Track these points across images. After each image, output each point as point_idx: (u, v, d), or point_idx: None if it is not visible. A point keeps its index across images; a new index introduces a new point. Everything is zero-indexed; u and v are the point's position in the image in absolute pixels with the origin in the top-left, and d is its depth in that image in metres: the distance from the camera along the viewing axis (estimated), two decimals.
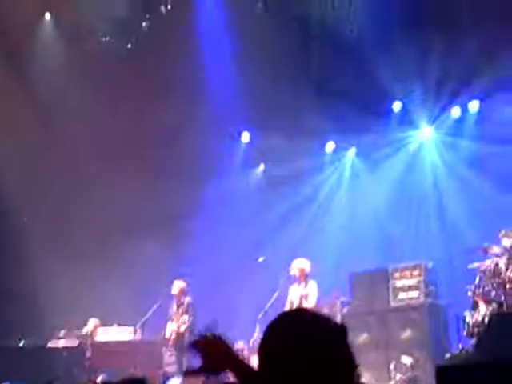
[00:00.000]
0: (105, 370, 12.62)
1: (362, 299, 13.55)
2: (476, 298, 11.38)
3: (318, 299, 12.56)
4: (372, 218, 16.65)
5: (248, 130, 18.05)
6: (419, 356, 12.33)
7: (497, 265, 11.48)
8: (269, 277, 13.64)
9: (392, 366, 12.44)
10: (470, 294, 11.49)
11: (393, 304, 13.24)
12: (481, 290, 11.47)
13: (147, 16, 16.23)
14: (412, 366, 12.14)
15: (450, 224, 15.67)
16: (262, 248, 16.06)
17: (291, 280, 12.70)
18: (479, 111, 16.06)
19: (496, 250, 11.68)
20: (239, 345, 13.33)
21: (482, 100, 15.89)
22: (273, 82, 15.77)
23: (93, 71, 15.57)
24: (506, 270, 11.37)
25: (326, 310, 13.28)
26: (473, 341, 10.98)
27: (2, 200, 15.56)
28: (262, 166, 18.88)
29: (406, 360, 12.24)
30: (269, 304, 12.30)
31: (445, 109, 16.26)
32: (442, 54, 14.49)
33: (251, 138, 18.16)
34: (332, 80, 15.37)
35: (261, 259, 14.78)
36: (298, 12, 15.37)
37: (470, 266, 11.88)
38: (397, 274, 13.33)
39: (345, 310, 13.63)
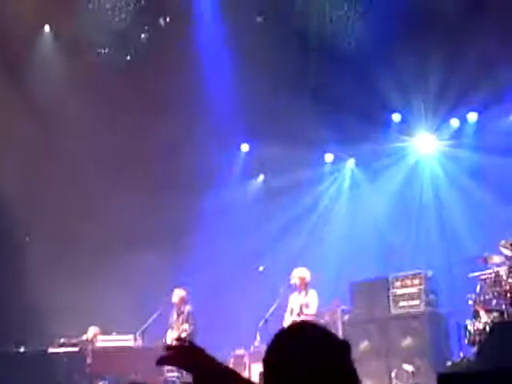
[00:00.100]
0: (106, 377, 12.61)
1: (363, 308, 13.57)
2: (477, 307, 11.37)
3: (319, 307, 12.58)
4: (372, 228, 16.71)
5: (247, 141, 18.14)
6: (420, 364, 12.33)
7: (498, 274, 11.47)
8: (269, 286, 13.64)
9: (393, 374, 12.43)
10: (470, 302, 11.49)
11: (393, 312, 13.27)
12: (482, 298, 11.47)
13: (146, 28, 16.26)
14: (413, 374, 12.13)
15: (450, 233, 15.74)
16: (262, 258, 16.07)
17: (291, 289, 12.72)
18: (478, 122, 16.15)
19: (496, 259, 11.69)
20: (239, 352, 13.34)
21: (480, 111, 15.97)
22: (272, 94, 15.80)
23: (92, 83, 15.57)
24: (507, 279, 11.37)
25: (326, 318, 13.35)
26: (474, 349, 10.97)
27: (3, 213, 15.53)
28: (261, 177, 18.95)
29: (407, 368, 12.22)
30: (269, 312, 12.30)
31: (444, 119, 16.34)
32: (441, 66, 14.57)
33: (250, 149, 18.26)
34: (331, 91, 15.45)
35: (261, 268, 14.80)
36: (297, 25, 15.43)
37: (471, 275, 11.90)
38: (397, 283, 13.38)
39: (345, 318, 13.65)
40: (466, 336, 11.24)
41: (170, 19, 16.09)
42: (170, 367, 13.12)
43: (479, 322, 11.13)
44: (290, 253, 16.13)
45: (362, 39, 14.96)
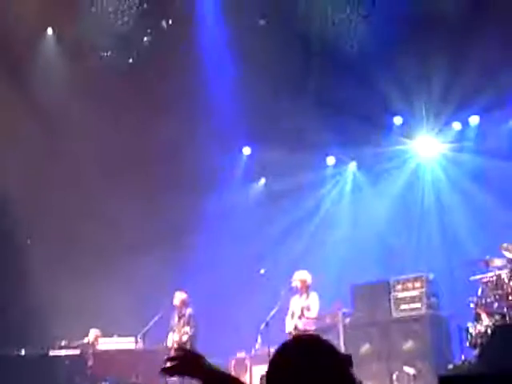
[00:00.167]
0: (107, 379, 12.62)
1: (364, 310, 13.56)
2: (478, 310, 11.38)
3: (320, 310, 12.58)
4: (374, 231, 16.69)
5: (249, 144, 18.15)
6: (421, 367, 12.32)
7: (499, 277, 11.48)
8: (270, 289, 13.65)
9: (394, 377, 12.42)
10: (472, 305, 11.50)
11: (395, 315, 13.27)
12: (483, 301, 11.48)
13: (149, 31, 16.27)
14: (414, 377, 12.12)
15: (452, 236, 15.74)
16: (264, 261, 16.09)
17: (293, 291, 12.70)
18: (480, 125, 16.14)
19: (497, 262, 11.70)
20: (241, 355, 13.34)
21: (482, 115, 15.97)
22: (274, 97, 15.81)
23: (94, 86, 15.58)
24: (509, 282, 11.37)
25: (327, 321, 13.36)
26: (475, 352, 10.97)
27: (6, 214, 15.56)
28: (263, 180, 18.93)
29: (408, 371, 12.21)
30: (270, 315, 12.26)
31: (446, 122, 16.34)
32: (443, 69, 14.56)
33: (252, 152, 18.25)
34: (333, 94, 15.45)
35: (262, 271, 14.81)
36: (299, 28, 15.39)
37: (473, 278, 11.90)
38: (398, 286, 13.38)
39: (347, 320, 13.64)
40: (467, 339, 11.24)
41: (173, 22, 16.09)
42: None
43: (481, 324, 11.14)
44: (291, 256, 16.15)
45: (365, 42, 14.93)
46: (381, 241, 16.48)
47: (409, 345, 12.84)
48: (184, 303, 13.71)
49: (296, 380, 2.61)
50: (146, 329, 13.31)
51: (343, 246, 16.65)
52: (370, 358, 12.97)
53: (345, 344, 13.15)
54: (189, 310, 13.66)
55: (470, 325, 11.27)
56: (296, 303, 12.62)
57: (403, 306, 13.21)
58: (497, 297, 11.38)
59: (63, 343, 13.39)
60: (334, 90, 15.41)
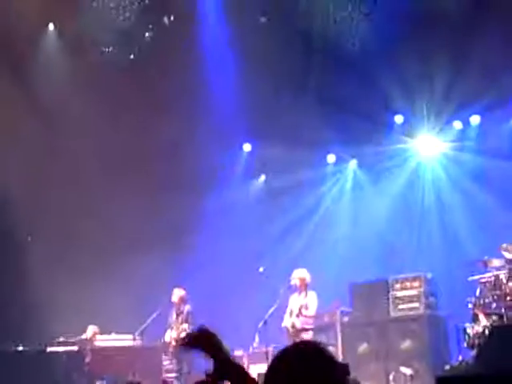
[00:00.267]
0: (104, 376, 12.62)
1: (362, 309, 13.56)
2: (476, 311, 11.37)
3: (318, 309, 12.58)
4: (374, 229, 16.66)
5: (249, 141, 18.12)
6: (419, 367, 12.32)
7: (497, 277, 11.49)
8: (269, 287, 13.64)
9: (391, 377, 12.43)
10: (470, 306, 11.49)
11: (393, 314, 13.27)
12: (481, 302, 11.48)
13: (150, 27, 16.25)
14: (411, 377, 12.11)
15: (452, 236, 15.71)
16: (263, 259, 16.10)
17: (291, 290, 12.70)
18: (481, 125, 16.11)
19: (496, 263, 11.71)
20: (238, 353, 13.34)
21: (483, 114, 15.94)
22: (275, 94, 15.80)
23: (95, 82, 15.57)
24: (507, 282, 11.38)
25: (325, 320, 13.35)
26: (473, 352, 10.96)
27: (6, 212, 15.56)
28: (263, 177, 18.91)
29: (405, 371, 12.21)
30: (269, 313, 12.29)
31: (447, 122, 16.31)
32: (445, 67, 14.54)
33: (252, 149, 18.22)
34: (334, 92, 15.43)
35: (261, 269, 14.82)
36: (301, 25, 15.38)
37: (471, 279, 11.89)
38: (397, 285, 13.38)
39: (345, 319, 13.63)
40: (465, 339, 11.24)
41: (174, 18, 16.08)
42: (168, 367, 13.18)
43: (478, 325, 11.14)
44: (290, 254, 16.15)
45: (366, 40, 14.90)
46: (381, 239, 16.45)
47: (406, 344, 12.83)
48: (182, 300, 13.74)
49: (291, 381, 2.65)
50: (143, 326, 13.34)
51: (343, 244, 16.64)
52: (367, 357, 12.98)
53: (342, 343, 13.14)
54: (187, 307, 13.69)
55: (467, 325, 11.27)
56: (294, 301, 12.61)
57: (401, 306, 13.20)
58: (495, 297, 11.38)
59: (61, 339, 13.38)
60: (335, 88, 15.39)
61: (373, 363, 12.85)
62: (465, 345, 11.25)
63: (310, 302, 12.50)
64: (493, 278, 11.50)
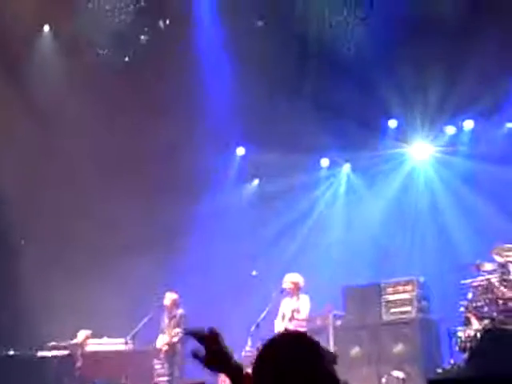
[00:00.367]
0: (95, 381, 12.54)
1: (355, 313, 13.57)
2: (468, 314, 11.37)
3: (311, 312, 12.57)
4: (368, 233, 16.67)
5: (243, 145, 18.09)
6: (411, 370, 12.32)
7: (489, 281, 11.49)
8: (262, 290, 13.64)
9: (384, 381, 12.41)
10: (462, 309, 11.49)
11: (385, 318, 13.27)
12: (473, 305, 11.48)
13: (146, 30, 16.26)
14: (404, 381, 12.10)
15: (444, 240, 15.74)
16: (256, 262, 16.10)
17: (284, 293, 12.69)
18: (474, 130, 16.16)
19: (488, 266, 11.72)
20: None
21: (476, 119, 15.98)
22: (270, 98, 15.78)
23: (91, 84, 15.57)
24: (499, 286, 11.38)
25: (318, 323, 13.31)
26: (465, 356, 10.95)
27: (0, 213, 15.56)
28: (256, 181, 18.90)
29: (398, 375, 12.20)
30: (261, 317, 12.26)
31: (441, 126, 16.34)
32: (440, 73, 14.55)
33: (246, 153, 18.19)
34: (329, 97, 15.42)
35: (254, 273, 14.80)
36: (297, 29, 15.39)
37: (463, 282, 11.90)
38: (389, 289, 13.39)
39: (337, 323, 13.61)
40: (456, 342, 11.23)
41: (170, 21, 16.08)
42: (160, 371, 13.12)
43: (470, 328, 11.14)
44: (284, 258, 16.13)
45: (362, 45, 14.91)
46: (374, 243, 16.47)
47: (399, 348, 12.83)
48: (175, 304, 13.69)
49: (279, 374, 2.71)
50: (134, 331, 13.20)
51: (337, 248, 16.65)
52: (359, 361, 12.98)
53: (335, 346, 13.12)
54: (180, 311, 13.64)
55: (459, 329, 11.28)
56: (286, 305, 12.60)
57: (394, 310, 13.21)
58: (487, 301, 11.38)
59: (52, 344, 13.26)
60: (330, 93, 15.38)
61: (365, 367, 12.85)
62: (457, 348, 11.24)
63: (302, 305, 12.49)
64: (485, 282, 11.51)
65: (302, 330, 12.22)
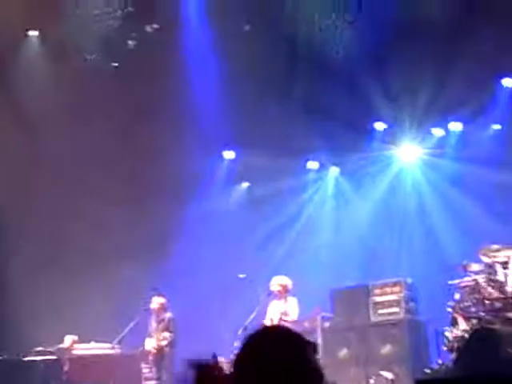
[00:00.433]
0: None
1: (343, 315, 13.58)
2: (455, 315, 11.41)
3: (299, 315, 12.54)
4: (356, 235, 16.71)
5: (232, 149, 18.05)
6: (399, 371, 12.34)
7: (477, 282, 11.51)
8: (250, 294, 13.62)
9: (372, 382, 12.43)
10: (449, 310, 11.51)
11: (373, 319, 13.29)
12: (461, 306, 11.49)
13: (133, 35, 16.23)
14: (392, 381, 12.10)
15: (432, 241, 15.77)
16: (245, 266, 16.06)
17: (271, 296, 12.66)
18: (461, 133, 16.21)
19: (475, 267, 11.77)
20: (219, 360, 13.24)
21: (465, 122, 16.03)
22: (258, 101, 15.76)
23: (78, 89, 15.52)
24: (486, 286, 11.40)
25: (306, 326, 13.28)
26: (452, 356, 10.95)
27: None
28: (245, 185, 18.86)
29: (386, 375, 12.19)
30: (249, 320, 12.22)
31: (428, 128, 16.37)
32: (429, 76, 14.58)
33: (236, 156, 18.15)
34: (318, 100, 15.47)
35: (242, 276, 14.77)
36: (286, 32, 15.41)
37: (451, 283, 11.91)
38: (377, 291, 13.42)
39: (325, 325, 13.59)
40: (444, 343, 11.25)
41: (158, 26, 16.07)
42: (147, 375, 13.06)
43: (458, 328, 11.18)
44: (272, 261, 16.12)
45: (350, 48, 14.93)
46: (362, 245, 16.52)
47: (387, 349, 12.85)
48: (163, 307, 13.59)
49: (260, 365, 2.70)
50: (121, 335, 13.10)
51: (325, 251, 16.67)
52: (347, 362, 12.99)
53: (323, 348, 13.09)
54: (168, 315, 13.54)
55: (447, 329, 11.29)
56: (274, 308, 12.59)
57: (381, 311, 13.23)
58: (474, 301, 11.41)
59: (39, 349, 13.15)
60: (318, 96, 15.44)
61: (353, 368, 12.87)
62: (444, 348, 11.27)
63: (290, 308, 12.48)
64: (472, 283, 11.53)
65: None
